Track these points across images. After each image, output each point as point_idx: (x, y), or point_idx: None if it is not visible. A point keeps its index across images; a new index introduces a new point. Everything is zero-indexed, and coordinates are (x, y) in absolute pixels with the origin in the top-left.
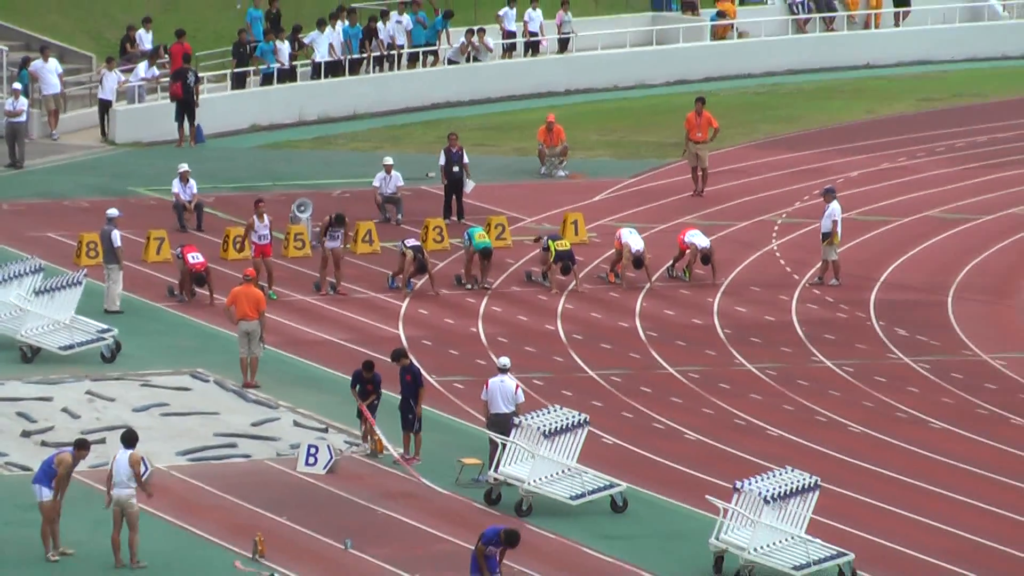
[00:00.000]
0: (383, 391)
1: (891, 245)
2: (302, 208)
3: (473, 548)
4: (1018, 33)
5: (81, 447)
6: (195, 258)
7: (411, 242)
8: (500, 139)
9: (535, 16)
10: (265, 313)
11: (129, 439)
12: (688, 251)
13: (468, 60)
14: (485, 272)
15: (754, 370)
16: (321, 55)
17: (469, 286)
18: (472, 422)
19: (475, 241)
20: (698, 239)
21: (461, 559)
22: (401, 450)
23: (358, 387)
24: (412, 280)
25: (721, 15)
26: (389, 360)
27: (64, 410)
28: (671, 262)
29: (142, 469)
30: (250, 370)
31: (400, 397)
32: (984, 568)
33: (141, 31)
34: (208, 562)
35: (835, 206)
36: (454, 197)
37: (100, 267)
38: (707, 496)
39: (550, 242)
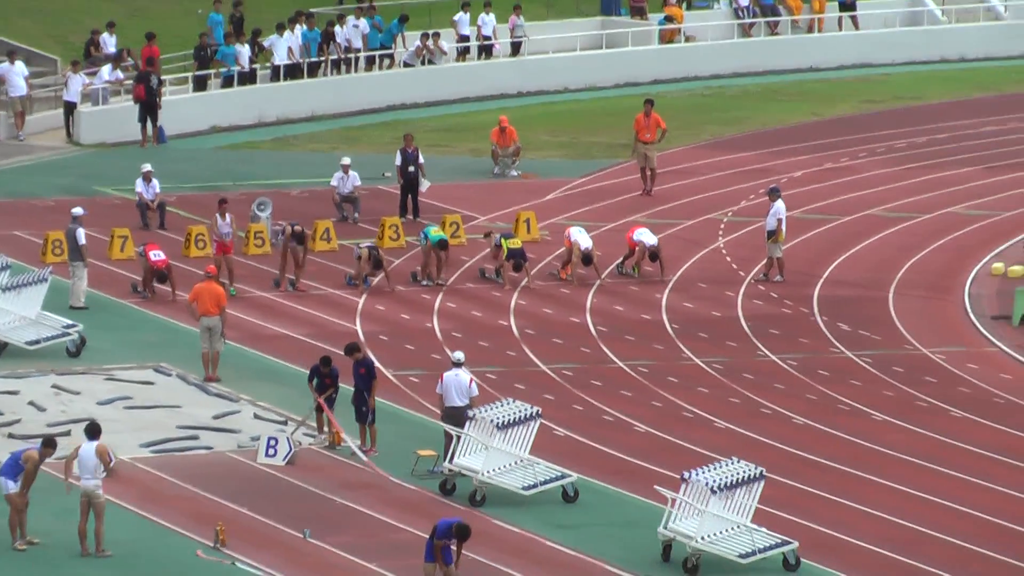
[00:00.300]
0: (340, 384)
1: (834, 243)
2: (262, 207)
3: (428, 537)
4: (956, 37)
5: (48, 445)
6: (157, 256)
7: (366, 243)
8: (454, 140)
9: (488, 20)
10: (226, 309)
11: (93, 431)
12: (637, 248)
13: (423, 63)
14: (441, 267)
15: (701, 364)
16: (280, 58)
17: (425, 282)
18: (427, 415)
19: (431, 236)
20: (646, 237)
21: (417, 547)
22: (359, 442)
23: (315, 381)
24: (369, 277)
25: (669, 19)
26: (343, 354)
27: (31, 403)
28: (621, 259)
29: (109, 458)
30: (212, 364)
31: (353, 390)
32: (924, 556)
33: (105, 35)
34: (171, 551)
35: (780, 205)
36: (410, 196)
37: (66, 264)
38: (656, 486)
39: (502, 240)
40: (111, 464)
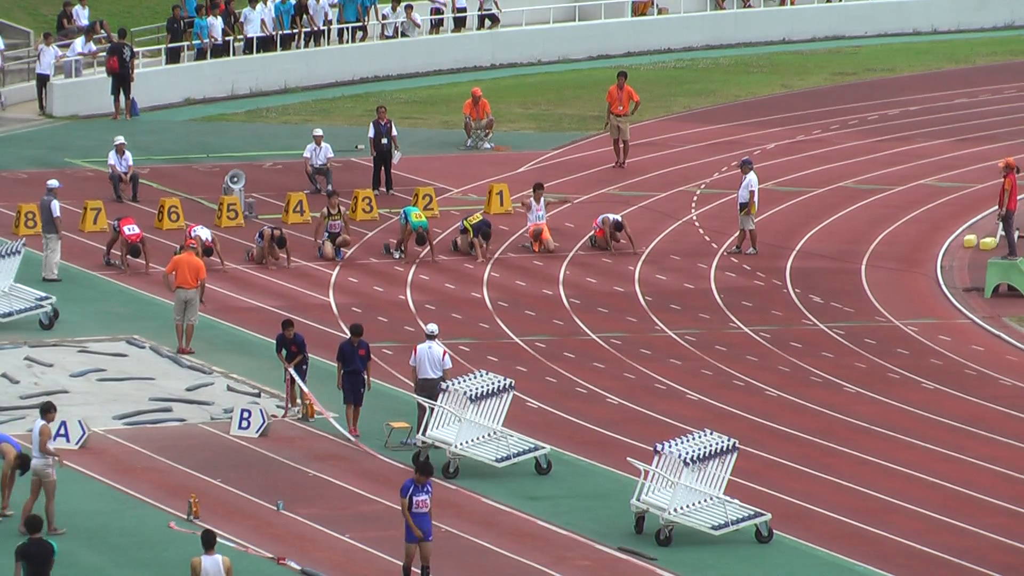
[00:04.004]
0: (310, 355)
1: (806, 215)
2: (235, 179)
3: (404, 509)
4: (927, 9)
5: (24, 464)
6: (131, 230)
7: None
8: (427, 112)
9: None
10: (204, 281)
11: (43, 410)
12: (604, 230)
13: (397, 34)
14: (431, 252)
15: (674, 336)
16: (253, 30)
17: (398, 255)
18: (401, 387)
19: (412, 220)
20: (608, 215)
21: (389, 519)
22: (336, 415)
23: (284, 351)
24: (342, 249)
25: None
26: (349, 334)
27: (3, 375)
28: (591, 233)
29: (50, 443)
30: (185, 336)
31: (346, 372)
32: (894, 527)
33: (78, 7)
34: (143, 522)
35: (752, 177)
36: (383, 168)
37: (38, 236)
38: (628, 458)
39: (464, 221)
40: (81, 439)
